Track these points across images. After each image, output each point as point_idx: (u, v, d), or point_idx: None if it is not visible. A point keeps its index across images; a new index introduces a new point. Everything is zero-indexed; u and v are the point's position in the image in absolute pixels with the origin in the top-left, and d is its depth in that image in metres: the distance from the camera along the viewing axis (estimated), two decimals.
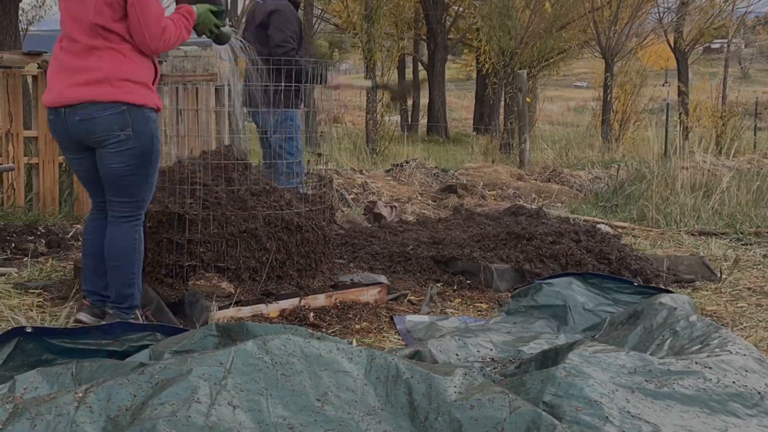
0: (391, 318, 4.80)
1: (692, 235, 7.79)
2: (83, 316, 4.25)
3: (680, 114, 19.60)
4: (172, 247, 4.67)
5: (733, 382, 2.99)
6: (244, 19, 6.49)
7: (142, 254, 4.24)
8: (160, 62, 7.34)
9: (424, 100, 31.09)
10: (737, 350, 3.27)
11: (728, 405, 2.88)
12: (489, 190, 10.10)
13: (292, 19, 6.09)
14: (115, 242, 4.15)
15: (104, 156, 4.03)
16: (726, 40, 27.06)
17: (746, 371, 3.07)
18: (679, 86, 24.43)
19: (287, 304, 4.66)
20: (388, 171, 11.27)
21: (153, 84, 4.13)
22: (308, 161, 5.38)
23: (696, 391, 2.92)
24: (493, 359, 3.80)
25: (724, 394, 2.92)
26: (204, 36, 4.44)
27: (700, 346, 3.42)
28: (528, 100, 15.03)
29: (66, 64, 4.02)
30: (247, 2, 24.78)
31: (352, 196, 9.11)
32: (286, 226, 4.79)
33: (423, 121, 29.83)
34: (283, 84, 5.27)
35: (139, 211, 4.19)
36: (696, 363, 3.08)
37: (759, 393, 2.94)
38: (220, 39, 4.51)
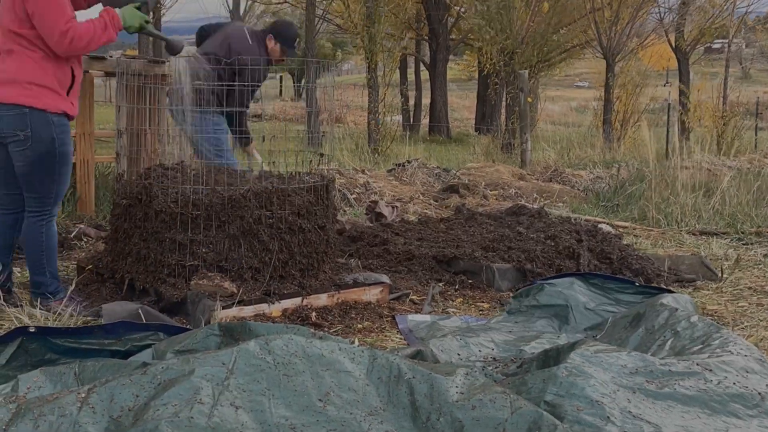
0: (393, 317, 4.81)
1: (693, 234, 7.80)
2: None
3: (681, 114, 19.59)
4: (174, 246, 4.68)
5: (734, 383, 2.99)
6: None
7: (51, 248, 4.58)
8: (162, 62, 7.36)
9: (426, 100, 31.07)
10: (738, 351, 3.27)
11: (729, 406, 2.89)
12: (491, 190, 10.11)
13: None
14: (25, 233, 4.54)
15: (10, 153, 4.37)
16: (727, 40, 27.04)
17: (747, 372, 3.08)
18: (680, 86, 24.40)
19: (290, 303, 4.67)
20: (390, 171, 11.27)
21: (70, 91, 4.40)
22: (310, 161, 5.38)
23: (697, 392, 2.93)
24: (494, 359, 3.81)
25: (725, 395, 2.92)
26: (144, 32, 4.64)
27: (701, 346, 3.43)
28: (529, 100, 15.01)
29: None
30: (249, 3, 24.79)
31: (354, 195, 9.11)
32: (289, 227, 4.80)
33: (425, 121, 29.80)
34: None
35: (45, 208, 4.49)
36: (697, 364, 3.09)
37: (760, 394, 2.95)
38: (172, 48, 4.81)
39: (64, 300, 4.52)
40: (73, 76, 4.42)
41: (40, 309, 4.40)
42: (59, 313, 4.30)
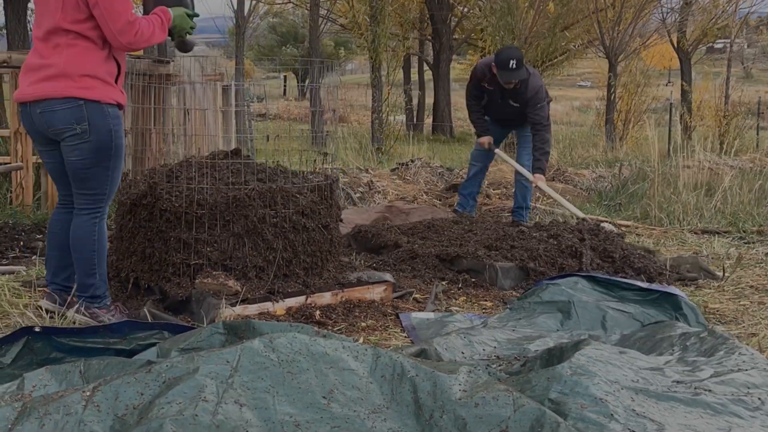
0: (397, 316, 4.82)
1: (695, 233, 7.81)
2: (45, 304, 4.42)
3: (683, 113, 19.59)
4: (179, 245, 4.70)
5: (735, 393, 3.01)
6: None
7: (103, 247, 4.36)
8: (167, 62, 7.38)
9: (429, 100, 31.07)
10: (740, 366, 3.27)
11: (731, 407, 2.90)
12: (493, 189, 10.11)
13: None
14: (76, 233, 4.30)
15: (64, 149, 4.19)
16: (729, 40, 27.02)
17: (748, 388, 3.08)
18: (682, 86, 24.40)
19: (294, 302, 4.69)
20: (393, 170, 11.29)
21: (117, 81, 4.25)
22: (314, 160, 5.39)
23: (699, 397, 2.94)
24: (498, 357, 3.82)
25: (727, 400, 2.94)
26: (174, 39, 4.52)
27: (706, 358, 3.44)
28: None
29: (30, 63, 4.18)
30: (253, 3, 24.77)
31: (357, 195, 9.13)
32: (293, 226, 4.81)
33: (428, 120, 29.80)
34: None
35: (98, 205, 4.30)
36: (695, 388, 3.08)
37: (760, 399, 2.96)
38: (184, 47, 4.61)
39: (111, 308, 4.38)
40: (119, 65, 4.24)
41: (83, 315, 4.26)
42: (64, 312, 4.30)
